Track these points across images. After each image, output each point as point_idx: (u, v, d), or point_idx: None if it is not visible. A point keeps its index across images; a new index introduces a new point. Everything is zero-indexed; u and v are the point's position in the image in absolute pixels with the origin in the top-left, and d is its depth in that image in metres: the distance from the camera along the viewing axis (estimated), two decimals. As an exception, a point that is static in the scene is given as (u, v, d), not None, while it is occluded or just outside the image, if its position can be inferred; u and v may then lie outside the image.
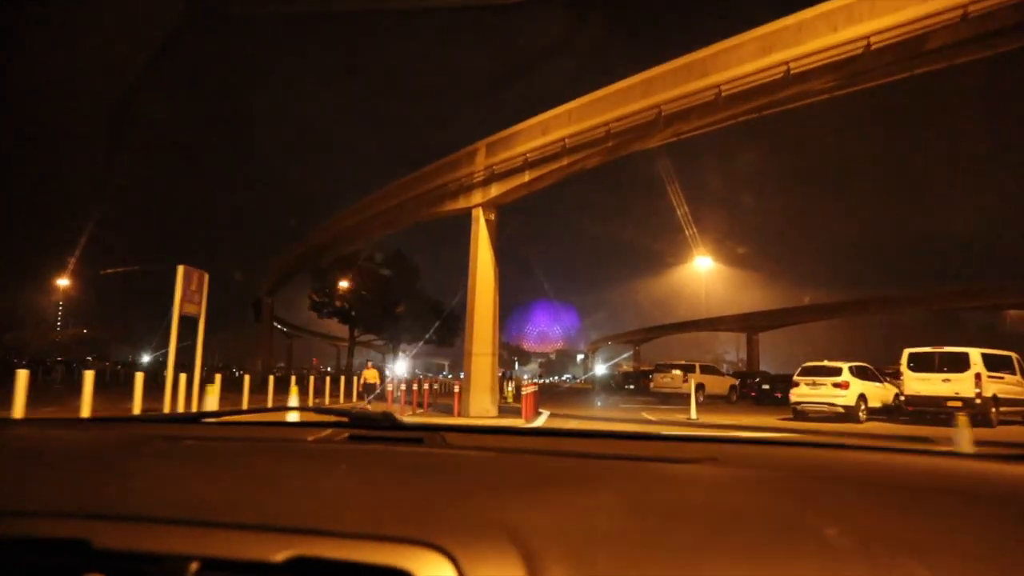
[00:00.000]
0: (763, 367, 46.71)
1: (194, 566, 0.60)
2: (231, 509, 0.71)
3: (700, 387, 23.50)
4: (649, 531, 0.66)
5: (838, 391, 15.09)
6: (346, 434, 1.23)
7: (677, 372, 23.94)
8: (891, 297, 51.82)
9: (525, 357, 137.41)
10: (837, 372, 15.38)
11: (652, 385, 24.88)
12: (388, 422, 1.32)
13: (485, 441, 1.27)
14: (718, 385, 24.89)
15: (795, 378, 16.22)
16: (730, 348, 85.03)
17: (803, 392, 15.67)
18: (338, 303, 46.26)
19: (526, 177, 15.99)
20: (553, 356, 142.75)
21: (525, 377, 65.85)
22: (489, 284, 17.32)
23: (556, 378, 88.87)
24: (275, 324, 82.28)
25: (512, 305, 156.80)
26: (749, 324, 54.10)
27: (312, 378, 21.22)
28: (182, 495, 0.76)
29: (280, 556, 0.59)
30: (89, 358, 53.16)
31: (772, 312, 53.82)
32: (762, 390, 24.76)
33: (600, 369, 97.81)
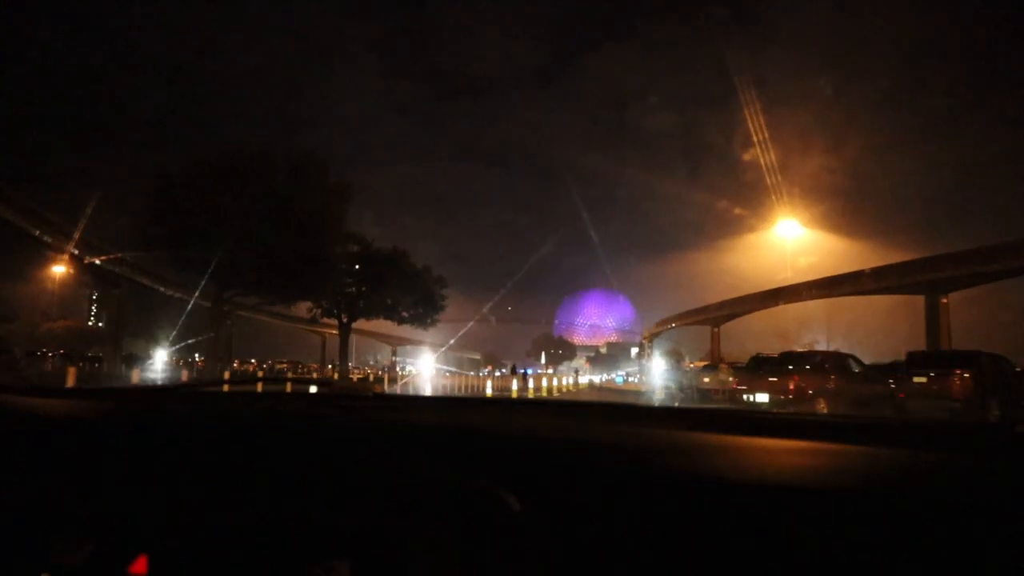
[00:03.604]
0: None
1: None
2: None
3: None
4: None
5: None
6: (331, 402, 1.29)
7: None
8: None
9: (570, 350, 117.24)
10: None
11: None
12: (370, 391, 1.49)
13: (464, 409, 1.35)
14: None
15: None
16: (818, 330, 56.98)
17: None
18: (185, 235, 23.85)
19: None
20: (604, 349, 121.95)
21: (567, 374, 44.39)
22: None
23: (603, 377, 66.58)
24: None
25: (561, 293, 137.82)
26: (933, 276, 30.64)
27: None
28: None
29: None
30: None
31: (987, 251, 29.98)
32: None
33: (659, 365, 74.28)
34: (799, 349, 19.84)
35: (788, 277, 42.32)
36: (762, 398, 13.23)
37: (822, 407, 12.03)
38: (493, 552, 0.58)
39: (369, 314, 35.76)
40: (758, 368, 15.31)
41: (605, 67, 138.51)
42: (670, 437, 0.96)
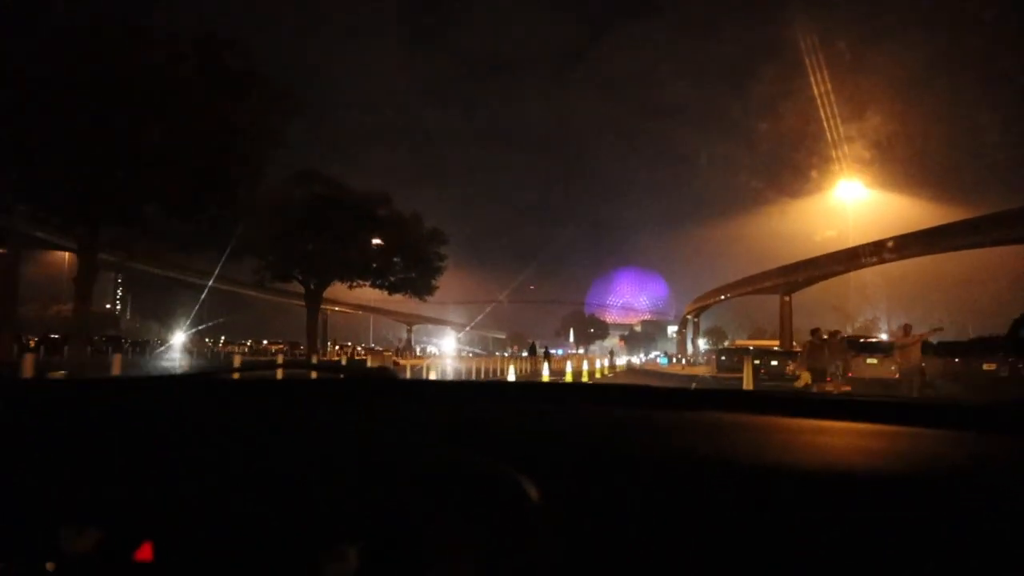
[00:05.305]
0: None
1: None
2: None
3: None
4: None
5: None
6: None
7: None
8: None
9: (602, 329, 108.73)
10: None
11: None
12: (383, 375, 1.47)
13: (478, 392, 1.27)
14: None
15: None
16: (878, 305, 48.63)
17: None
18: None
19: None
20: (638, 328, 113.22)
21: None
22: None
23: (641, 357, 58.11)
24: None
25: (591, 271, 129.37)
26: None
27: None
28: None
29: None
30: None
31: None
32: None
33: (703, 345, 64.96)
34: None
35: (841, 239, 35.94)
36: None
37: None
38: (506, 540, 0.55)
39: (343, 278, 27.68)
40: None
41: (635, 42, 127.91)
42: None
